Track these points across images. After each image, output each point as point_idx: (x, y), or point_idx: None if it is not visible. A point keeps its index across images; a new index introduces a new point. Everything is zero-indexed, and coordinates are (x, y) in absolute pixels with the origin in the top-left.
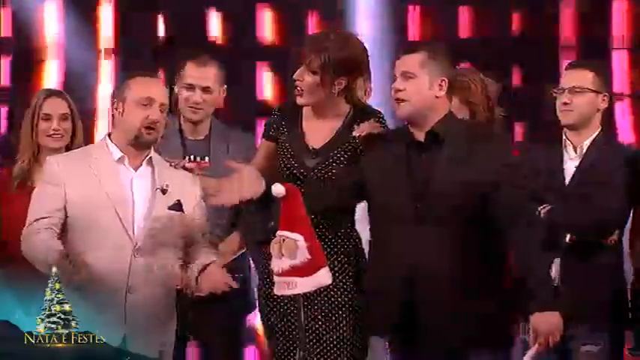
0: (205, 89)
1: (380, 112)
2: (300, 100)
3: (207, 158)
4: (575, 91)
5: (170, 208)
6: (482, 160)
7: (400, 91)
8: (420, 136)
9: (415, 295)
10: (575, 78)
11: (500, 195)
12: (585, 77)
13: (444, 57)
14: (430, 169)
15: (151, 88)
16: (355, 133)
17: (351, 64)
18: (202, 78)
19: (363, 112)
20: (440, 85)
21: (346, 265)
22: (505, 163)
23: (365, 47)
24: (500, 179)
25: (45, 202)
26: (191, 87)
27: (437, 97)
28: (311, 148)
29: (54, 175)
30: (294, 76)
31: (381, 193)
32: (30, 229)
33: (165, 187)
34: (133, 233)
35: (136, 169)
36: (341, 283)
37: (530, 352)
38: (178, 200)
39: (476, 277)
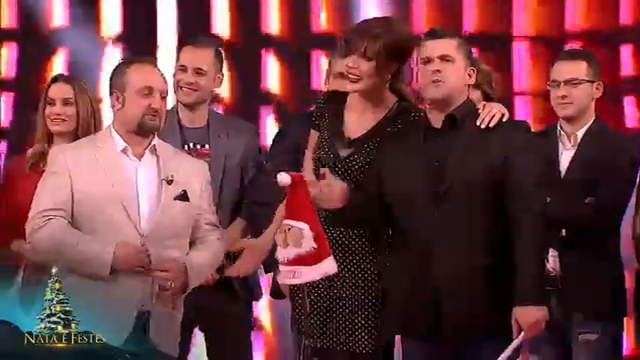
0: (198, 70)
1: (421, 110)
2: (354, 87)
3: (207, 146)
4: (572, 84)
5: (176, 198)
6: (496, 144)
7: (439, 72)
8: (437, 120)
9: (440, 284)
10: (570, 70)
11: (511, 181)
12: (580, 68)
13: (468, 45)
14: (449, 154)
15: (150, 76)
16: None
17: (402, 48)
18: (195, 59)
19: (406, 109)
20: (469, 73)
21: (353, 255)
22: (517, 147)
23: (411, 31)
24: (512, 165)
25: (53, 194)
26: (184, 68)
27: (467, 83)
28: (347, 138)
29: (59, 165)
30: (349, 64)
31: (402, 182)
32: (38, 221)
33: (170, 178)
34: (140, 223)
35: (139, 157)
36: (347, 273)
37: (513, 344)
38: (184, 190)
39: (496, 264)
